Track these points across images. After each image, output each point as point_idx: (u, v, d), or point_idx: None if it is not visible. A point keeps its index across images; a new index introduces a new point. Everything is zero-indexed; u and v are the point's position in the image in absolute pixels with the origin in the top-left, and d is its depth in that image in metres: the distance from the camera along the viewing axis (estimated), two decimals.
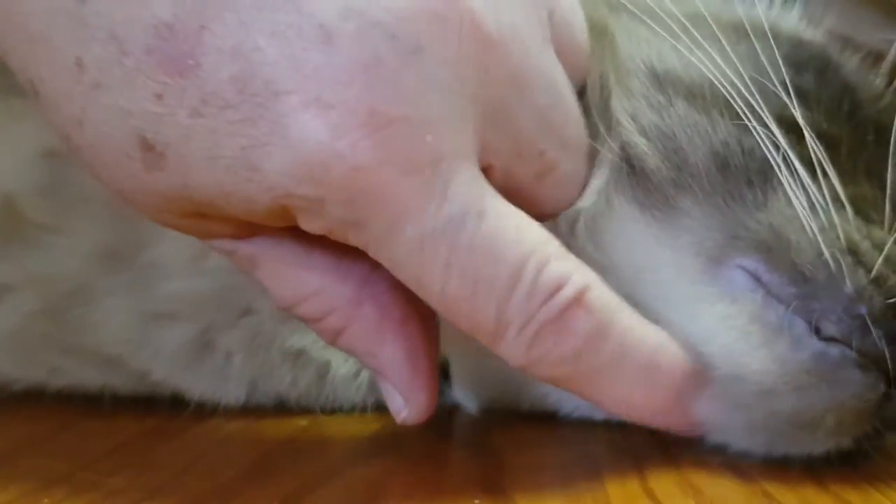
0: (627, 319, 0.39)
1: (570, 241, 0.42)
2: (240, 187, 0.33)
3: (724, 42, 0.44)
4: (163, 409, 0.51)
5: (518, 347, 0.37)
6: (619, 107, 0.43)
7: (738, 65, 0.43)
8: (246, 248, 0.38)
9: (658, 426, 0.41)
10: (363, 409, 0.51)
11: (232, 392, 0.51)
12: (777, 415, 0.39)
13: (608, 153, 0.42)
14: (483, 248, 0.35)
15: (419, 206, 0.34)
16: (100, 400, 0.52)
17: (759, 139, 0.41)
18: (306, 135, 0.32)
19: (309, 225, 0.35)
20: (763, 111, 0.41)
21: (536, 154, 0.39)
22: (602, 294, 0.38)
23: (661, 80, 0.44)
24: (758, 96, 0.42)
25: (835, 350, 0.38)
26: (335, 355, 0.51)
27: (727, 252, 0.40)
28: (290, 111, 0.32)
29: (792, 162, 0.40)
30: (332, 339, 0.41)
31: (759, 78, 0.43)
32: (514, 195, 0.38)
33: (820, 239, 0.39)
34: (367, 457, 0.42)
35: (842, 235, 0.39)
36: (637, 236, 0.42)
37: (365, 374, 0.51)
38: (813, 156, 0.41)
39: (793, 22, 0.52)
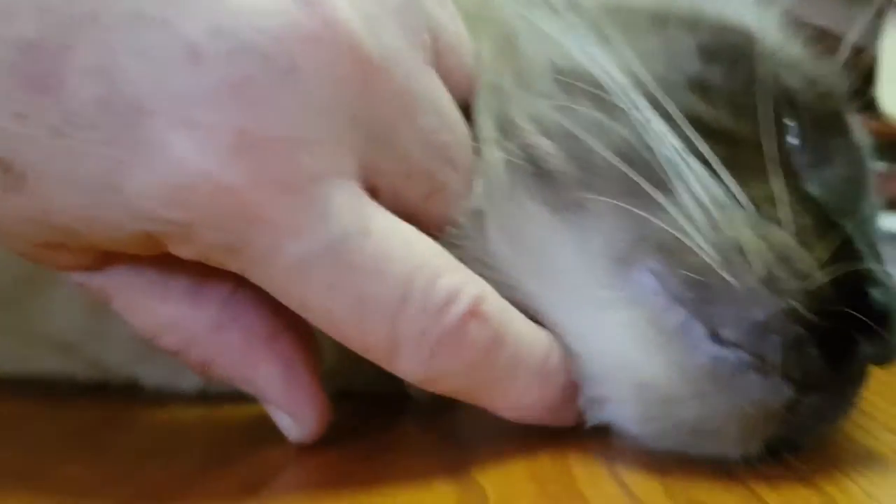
0: (519, 326, 0.39)
1: (486, 243, 0.42)
2: (102, 212, 0.32)
3: (635, 34, 0.44)
4: (119, 396, 0.50)
5: (415, 364, 0.36)
6: (519, 109, 0.42)
7: (645, 59, 0.42)
8: (98, 280, 0.37)
9: (552, 424, 0.42)
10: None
11: (187, 379, 0.50)
12: (682, 423, 0.39)
13: (510, 157, 0.42)
14: (369, 267, 0.35)
15: (298, 228, 0.33)
16: (54, 387, 0.51)
17: (656, 138, 0.40)
18: (172, 155, 0.31)
19: (180, 251, 0.34)
20: (660, 107, 0.40)
21: (425, 176, 0.39)
22: (496, 303, 0.38)
23: (565, 79, 0.42)
24: (661, 92, 0.41)
25: (732, 355, 0.37)
26: None
27: (635, 254, 0.39)
28: (155, 131, 0.31)
29: (686, 160, 0.39)
30: (202, 370, 0.40)
31: (663, 72, 0.42)
32: (403, 215, 0.37)
33: (709, 240, 0.38)
34: (326, 443, 0.41)
35: (732, 235, 0.38)
36: (550, 239, 0.41)
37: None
38: (707, 153, 0.40)
39: (733, 5, 0.49)
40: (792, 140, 0.44)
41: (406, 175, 0.38)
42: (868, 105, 0.53)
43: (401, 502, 0.35)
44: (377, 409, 0.46)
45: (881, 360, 0.39)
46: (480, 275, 0.39)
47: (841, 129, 0.47)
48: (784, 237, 0.38)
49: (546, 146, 0.41)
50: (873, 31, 0.92)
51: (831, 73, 0.48)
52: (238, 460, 0.40)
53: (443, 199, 0.40)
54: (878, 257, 0.43)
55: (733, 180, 0.39)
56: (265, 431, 0.41)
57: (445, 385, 0.38)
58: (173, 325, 0.38)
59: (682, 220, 0.38)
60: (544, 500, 0.36)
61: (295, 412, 0.41)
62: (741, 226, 0.38)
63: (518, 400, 0.40)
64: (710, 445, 0.39)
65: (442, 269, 0.36)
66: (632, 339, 0.39)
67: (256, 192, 0.32)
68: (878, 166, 0.49)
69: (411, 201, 0.39)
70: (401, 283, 0.35)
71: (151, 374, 0.50)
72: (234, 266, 0.35)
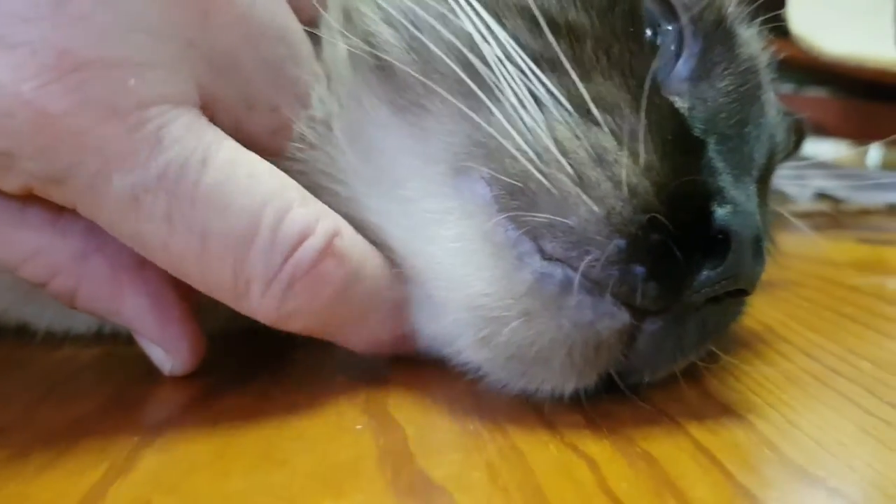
0: (375, 260, 0.38)
1: (333, 153, 0.39)
2: None
3: None
4: (12, 340, 0.47)
5: (266, 305, 0.35)
6: None
7: None
8: None
9: (395, 353, 0.41)
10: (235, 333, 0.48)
11: (81, 320, 0.47)
12: (510, 347, 0.36)
13: (352, 48, 0.39)
14: (209, 198, 0.33)
15: (127, 154, 0.31)
16: None
17: (479, 34, 0.36)
18: None
19: (4, 184, 0.32)
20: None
21: (268, 108, 0.37)
22: (351, 237, 0.37)
23: None
24: None
25: (558, 271, 0.34)
26: None
27: (469, 161, 0.36)
28: None
29: (511, 58, 0.36)
30: (69, 301, 0.38)
31: None
32: (249, 149, 0.36)
33: (528, 142, 0.35)
34: (240, 382, 0.39)
35: (548, 137, 0.35)
36: (389, 143, 0.38)
37: None
38: (536, 50, 0.36)
39: None
40: (667, 44, 0.40)
41: (248, 106, 0.36)
42: (779, 28, 0.51)
43: (313, 438, 0.34)
44: (288, 346, 0.44)
45: (724, 286, 0.35)
46: (328, 189, 0.38)
47: (726, 39, 0.43)
48: (603, 137, 0.35)
49: (387, 34, 0.38)
50: None
51: None
52: (138, 404, 0.38)
53: (289, 137, 0.39)
54: (749, 180, 0.39)
55: (561, 79, 0.36)
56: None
57: (299, 325, 0.36)
58: (37, 255, 0.36)
59: (505, 123, 0.35)
60: (465, 438, 0.34)
61: (166, 344, 0.39)
62: (558, 125, 0.35)
63: (373, 335, 0.39)
64: (541, 376, 0.36)
65: (293, 201, 0.34)
66: (463, 254, 0.36)
67: (80, 118, 0.30)
68: (784, 88, 0.47)
69: (256, 135, 0.37)
70: (246, 218, 0.33)
71: (41, 316, 0.47)
72: (60, 198, 0.33)
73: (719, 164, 0.37)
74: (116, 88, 0.31)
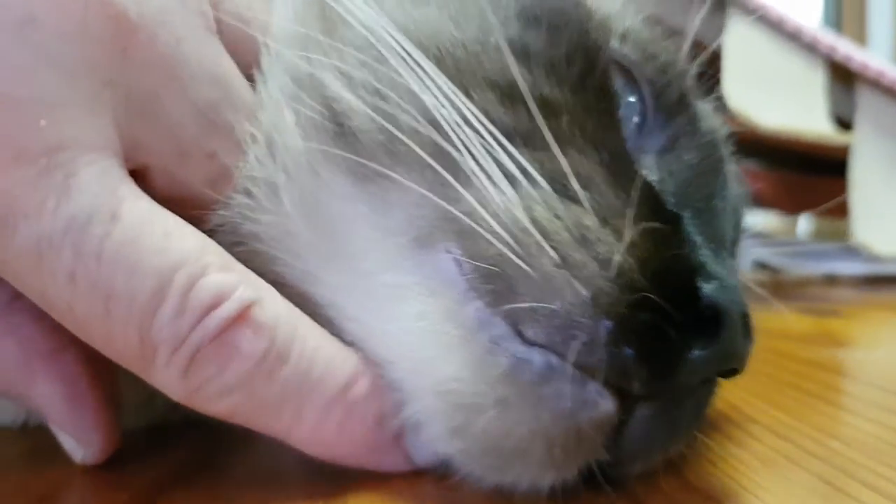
0: (313, 342, 0.35)
1: (284, 221, 0.37)
2: None
3: None
4: None
5: (171, 376, 0.32)
6: (326, 63, 0.37)
7: (456, 19, 0.37)
8: None
9: (377, 468, 0.36)
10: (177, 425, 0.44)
11: (5, 411, 0.44)
12: (483, 437, 0.33)
13: (311, 115, 0.37)
14: (116, 257, 0.30)
15: (34, 203, 0.29)
16: None
17: (443, 109, 0.34)
18: None
19: None
20: (463, 75, 0.35)
21: (203, 156, 0.35)
22: (275, 310, 0.34)
23: (375, 39, 0.37)
24: (460, 56, 0.36)
25: (537, 357, 0.32)
26: None
27: (435, 235, 0.34)
28: None
29: (478, 134, 0.34)
30: None
31: (476, 34, 0.37)
32: (186, 202, 0.34)
33: (502, 223, 0.33)
34: (185, 479, 0.36)
35: (524, 215, 0.33)
36: (346, 214, 0.36)
37: None
38: (506, 124, 0.35)
39: None
40: (630, 116, 0.39)
41: (179, 153, 0.34)
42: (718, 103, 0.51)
43: None
44: (238, 440, 0.41)
45: (716, 366, 0.33)
46: (280, 259, 0.35)
47: (686, 112, 0.42)
48: (583, 214, 0.33)
49: (350, 101, 0.36)
50: (715, 27, 0.93)
51: (674, 52, 0.43)
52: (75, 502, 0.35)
53: (231, 186, 0.36)
54: (725, 254, 0.38)
55: (534, 154, 0.34)
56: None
57: (214, 405, 0.33)
58: None
59: (474, 202, 0.33)
60: None
61: (78, 434, 0.36)
62: (535, 204, 0.33)
63: (316, 431, 0.35)
64: (518, 470, 0.33)
65: (209, 267, 0.32)
66: (428, 334, 0.33)
67: None
68: None
69: (192, 186, 0.34)
70: (155, 280, 0.31)
71: None
72: None
73: (697, 237, 0.36)
74: (26, 129, 0.29)
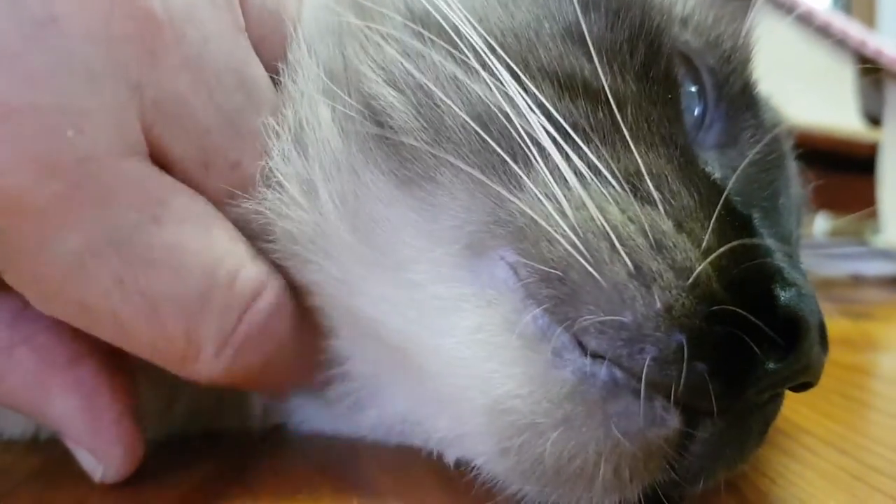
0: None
1: (322, 224, 0.34)
2: None
3: None
4: None
5: (216, 365, 0.32)
6: (363, 56, 0.34)
7: (511, 6, 0.34)
8: None
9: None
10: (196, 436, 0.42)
11: (14, 423, 0.41)
12: (544, 459, 0.30)
13: (349, 112, 0.34)
14: (163, 260, 0.30)
15: (70, 216, 0.28)
16: None
17: (510, 100, 0.31)
18: None
19: None
20: (524, 64, 0.33)
21: (227, 166, 0.33)
22: (285, 290, 0.35)
23: (419, 25, 0.34)
24: (523, 45, 0.33)
25: (602, 371, 0.29)
26: None
27: (488, 240, 0.31)
28: None
29: (545, 127, 0.31)
30: None
31: (531, 21, 0.34)
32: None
33: (570, 223, 0.30)
34: (212, 492, 0.34)
35: (598, 216, 0.30)
36: (391, 219, 0.33)
37: None
38: (574, 116, 0.32)
39: None
40: (691, 108, 0.36)
41: (202, 163, 0.32)
42: None
43: None
44: (258, 451, 0.38)
45: (791, 380, 0.31)
46: (313, 263, 0.34)
47: (750, 104, 0.39)
48: (658, 218, 0.30)
49: (391, 97, 0.33)
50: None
51: (737, 37, 0.40)
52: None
53: (251, 196, 0.34)
54: (796, 258, 0.35)
55: (601, 150, 0.31)
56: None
57: (238, 380, 0.34)
58: None
59: (540, 197, 0.30)
60: None
61: (97, 450, 0.34)
62: (608, 205, 0.30)
63: (284, 380, 0.38)
64: (577, 491, 0.31)
65: (244, 259, 0.32)
66: (486, 347, 0.31)
67: (12, 176, 0.27)
68: None
69: (209, 195, 0.33)
70: (200, 279, 0.31)
71: None
72: None
73: (770, 241, 0.33)
74: (53, 141, 0.27)
